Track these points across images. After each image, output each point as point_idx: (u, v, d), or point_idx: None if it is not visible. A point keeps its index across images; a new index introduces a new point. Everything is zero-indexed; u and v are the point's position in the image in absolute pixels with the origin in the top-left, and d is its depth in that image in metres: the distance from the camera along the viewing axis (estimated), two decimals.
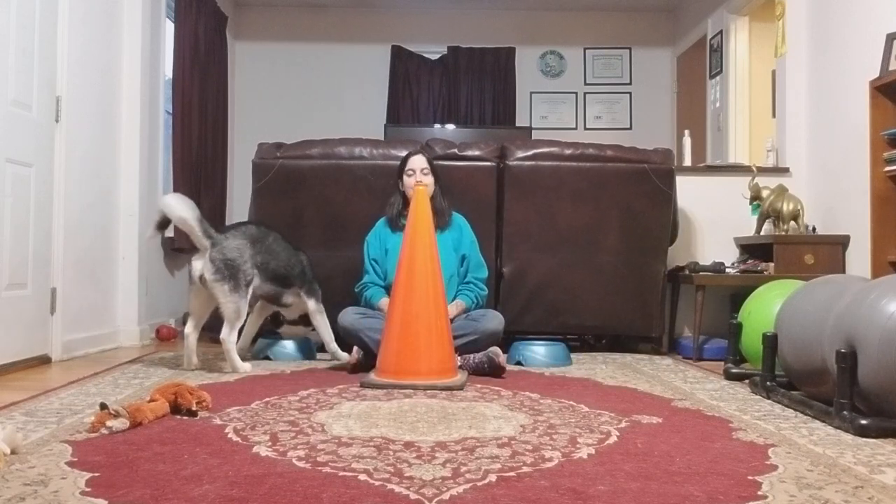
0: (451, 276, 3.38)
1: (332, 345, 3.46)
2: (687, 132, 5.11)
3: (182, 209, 3.13)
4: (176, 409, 2.26)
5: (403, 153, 3.69)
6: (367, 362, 3.14)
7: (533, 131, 6.33)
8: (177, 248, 5.13)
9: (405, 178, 3.50)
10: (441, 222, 3.43)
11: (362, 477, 1.63)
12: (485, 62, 6.99)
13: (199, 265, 3.18)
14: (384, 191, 3.69)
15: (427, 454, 1.83)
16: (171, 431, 2.06)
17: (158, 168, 4.96)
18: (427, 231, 2.99)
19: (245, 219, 4.21)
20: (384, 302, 3.37)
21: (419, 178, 3.44)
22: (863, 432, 2.11)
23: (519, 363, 3.53)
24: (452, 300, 3.37)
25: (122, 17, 4.33)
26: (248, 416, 2.28)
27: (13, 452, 1.78)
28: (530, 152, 3.95)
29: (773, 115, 5.06)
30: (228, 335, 3.19)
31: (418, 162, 3.50)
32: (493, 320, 3.36)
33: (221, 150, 5.98)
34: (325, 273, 3.81)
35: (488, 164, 3.92)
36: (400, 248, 3.06)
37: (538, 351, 3.55)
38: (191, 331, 3.30)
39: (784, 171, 4.48)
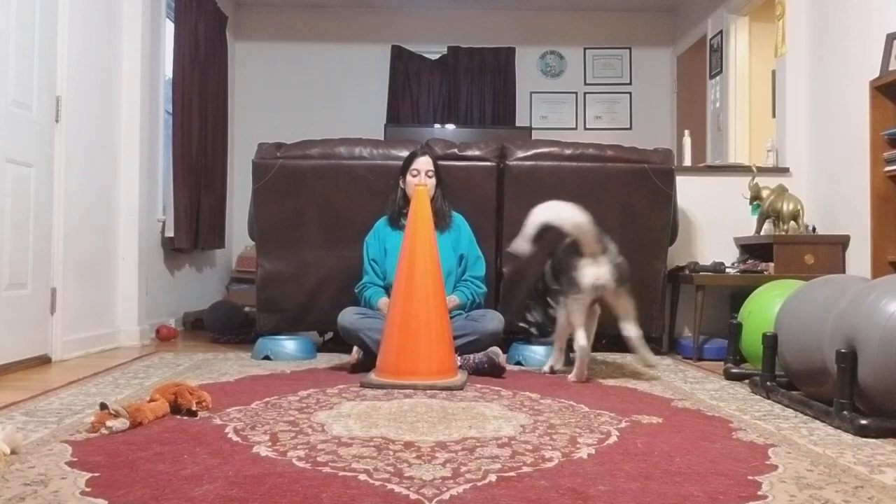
0: (448, 275, 3.38)
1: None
2: (687, 132, 5.11)
3: (578, 214, 2.96)
4: (176, 409, 2.26)
5: (403, 153, 3.69)
6: (367, 362, 3.14)
7: (533, 131, 6.33)
8: (177, 248, 5.13)
9: (409, 177, 3.50)
10: (441, 224, 3.43)
11: (362, 477, 1.63)
12: (485, 62, 6.98)
13: (595, 271, 2.98)
14: (384, 191, 3.69)
15: (427, 454, 1.83)
16: (171, 431, 2.06)
17: (158, 168, 4.97)
18: (427, 231, 2.99)
19: (245, 219, 4.22)
20: (383, 302, 3.37)
21: (423, 179, 3.45)
22: (863, 432, 2.11)
23: (518, 363, 3.53)
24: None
25: (122, 17, 4.32)
26: (248, 416, 2.28)
27: (13, 452, 1.78)
28: (530, 152, 3.95)
29: (773, 115, 5.06)
30: (635, 330, 3.07)
31: (424, 163, 3.50)
32: (494, 320, 3.36)
33: (221, 150, 5.98)
34: (325, 273, 3.82)
35: (488, 164, 3.92)
36: (400, 247, 3.06)
37: (538, 351, 3.55)
38: (585, 342, 3.04)
39: (784, 171, 4.48)
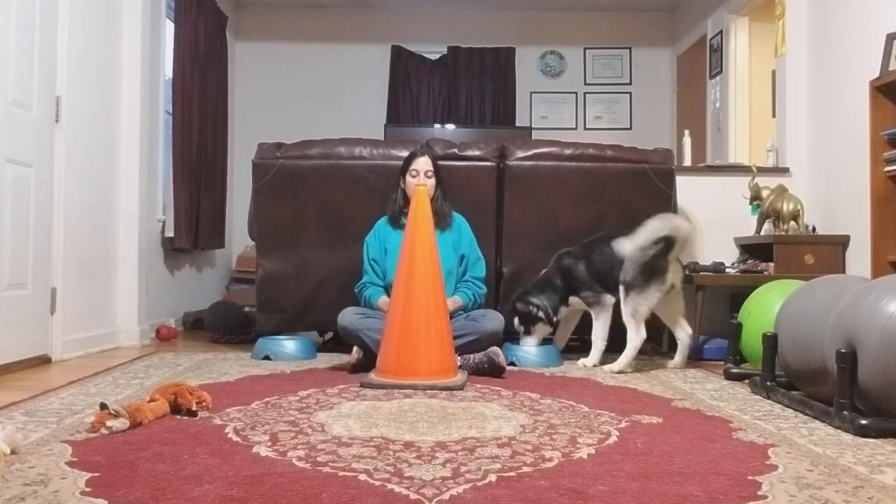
0: (449, 275, 3.38)
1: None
2: (687, 132, 5.11)
3: (688, 224, 3.37)
4: (176, 409, 2.26)
5: (403, 153, 3.69)
6: (367, 362, 3.14)
7: (533, 131, 6.32)
8: (177, 248, 5.13)
9: (408, 177, 3.50)
10: (441, 224, 3.43)
11: (362, 477, 1.63)
12: (485, 62, 6.98)
13: (676, 273, 3.37)
14: (384, 191, 3.69)
15: (427, 454, 1.83)
16: (171, 431, 2.06)
17: (158, 168, 4.96)
18: (427, 231, 2.99)
19: (245, 219, 4.22)
20: (383, 301, 3.37)
21: (422, 180, 3.45)
22: (863, 432, 2.11)
23: (512, 364, 3.52)
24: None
25: (122, 17, 4.32)
26: (248, 416, 2.28)
27: (13, 452, 1.78)
28: (530, 152, 3.95)
29: (773, 115, 5.06)
30: (690, 328, 3.56)
31: (423, 164, 3.50)
32: (494, 320, 3.36)
33: (221, 150, 5.98)
34: (325, 273, 3.82)
35: (488, 164, 3.92)
36: (400, 246, 3.06)
37: (531, 351, 3.56)
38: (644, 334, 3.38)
39: (784, 171, 4.48)
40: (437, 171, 3.54)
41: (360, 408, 2.43)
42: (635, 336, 3.31)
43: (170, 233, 5.01)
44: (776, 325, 2.75)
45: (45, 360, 3.53)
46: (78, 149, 3.80)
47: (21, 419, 2.22)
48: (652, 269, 3.28)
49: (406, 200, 3.48)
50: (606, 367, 3.33)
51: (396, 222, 3.52)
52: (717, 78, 5.90)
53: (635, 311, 3.30)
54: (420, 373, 2.83)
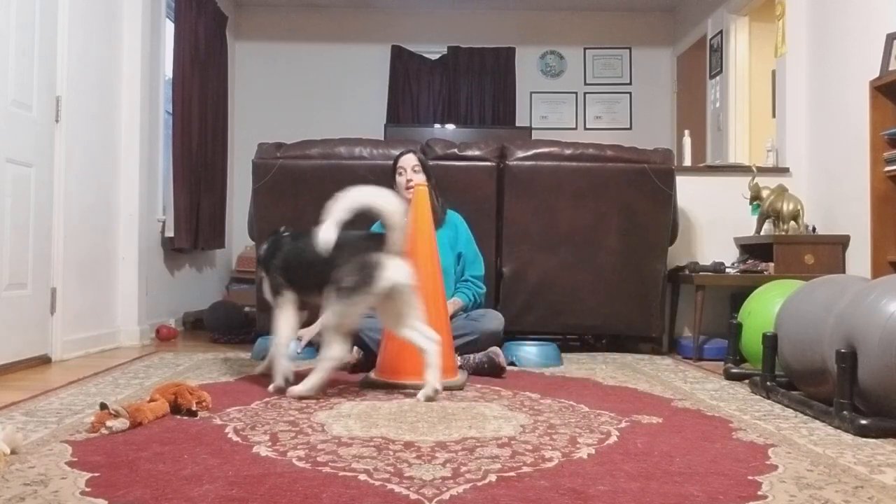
0: (446, 274, 3.37)
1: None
2: (687, 132, 5.11)
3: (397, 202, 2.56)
4: (176, 409, 2.26)
5: None
6: (367, 362, 3.14)
7: (533, 131, 6.33)
8: (177, 248, 5.13)
9: (397, 177, 3.50)
10: (435, 221, 3.42)
11: (362, 477, 1.63)
12: (485, 62, 6.99)
13: (393, 272, 2.57)
14: None
15: (427, 454, 1.83)
16: (171, 431, 2.06)
17: (158, 168, 4.96)
18: (428, 231, 2.99)
19: (245, 219, 4.22)
20: None
21: (410, 176, 3.43)
22: (863, 432, 2.11)
23: (512, 363, 3.52)
24: (450, 298, 3.37)
25: (122, 17, 4.32)
26: (248, 416, 2.28)
27: (13, 452, 1.78)
28: (530, 152, 3.95)
29: (773, 115, 5.06)
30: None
31: (408, 160, 3.49)
32: (494, 320, 3.36)
33: (221, 150, 5.98)
34: None
35: (488, 164, 3.92)
36: None
37: (531, 351, 3.56)
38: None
39: (784, 171, 4.48)
40: (426, 168, 3.52)
41: (360, 408, 2.42)
42: (332, 351, 2.53)
43: (170, 233, 5.01)
44: (776, 325, 2.75)
45: (45, 360, 3.53)
46: (78, 149, 3.80)
47: (21, 419, 2.22)
48: (365, 267, 2.51)
49: None
50: (293, 390, 2.59)
51: None
52: (717, 78, 5.90)
53: (340, 324, 2.53)
54: (420, 373, 2.81)
